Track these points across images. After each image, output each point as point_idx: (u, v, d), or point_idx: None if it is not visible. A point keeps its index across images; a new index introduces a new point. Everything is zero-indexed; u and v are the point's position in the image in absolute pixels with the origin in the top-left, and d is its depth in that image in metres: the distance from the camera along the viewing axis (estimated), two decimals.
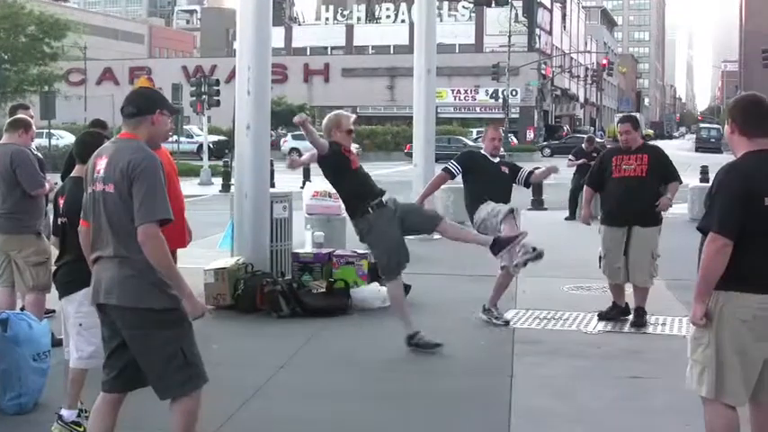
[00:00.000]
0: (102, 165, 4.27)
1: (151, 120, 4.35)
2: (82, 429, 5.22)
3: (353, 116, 7.98)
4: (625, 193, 8.28)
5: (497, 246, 7.54)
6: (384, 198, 7.56)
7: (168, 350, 4.20)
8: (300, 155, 11.51)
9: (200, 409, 4.33)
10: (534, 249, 7.66)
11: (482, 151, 8.79)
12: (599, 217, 8.71)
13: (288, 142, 50.63)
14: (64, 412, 5.35)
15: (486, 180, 8.42)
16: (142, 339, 4.21)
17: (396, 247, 7.47)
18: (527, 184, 8.93)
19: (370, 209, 7.42)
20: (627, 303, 8.58)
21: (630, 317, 8.45)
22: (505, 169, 8.67)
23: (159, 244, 4.11)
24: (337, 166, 7.55)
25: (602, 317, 8.54)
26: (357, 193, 7.53)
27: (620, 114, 10.27)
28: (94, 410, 4.43)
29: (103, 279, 4.25)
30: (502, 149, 8.99)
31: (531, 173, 8.78)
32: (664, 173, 8.43)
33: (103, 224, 4.25)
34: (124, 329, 4.24)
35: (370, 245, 7.67)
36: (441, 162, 11.04)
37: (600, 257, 8.55)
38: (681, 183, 8.66)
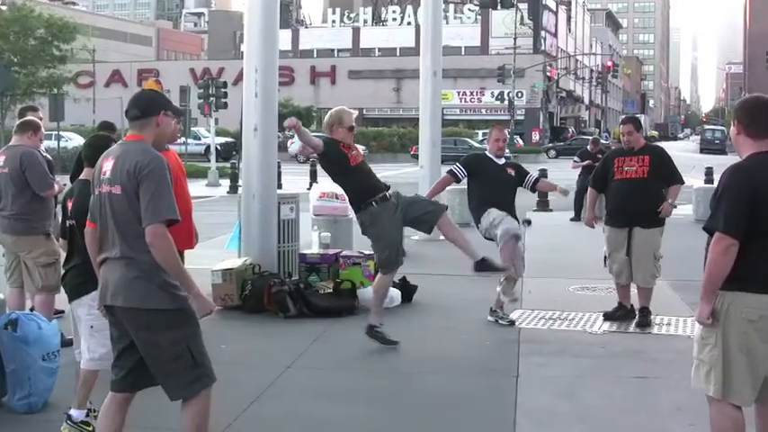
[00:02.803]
0: (108, 167, 4.28)
1: (155, 121, 4.35)
2: (91, 429, 5.24)
3: (355, 113, 8.00)
4: (627, 194, 8.33)
5: (482, 267, 7.66)
6: (388, 192, 7.63)
7: (176, 350, 4.20)
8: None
9: (210, 408, 4.35)
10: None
11: (487, 153, 8.84)
12: (603, 218, 8.75)
13: (294, 144, 50.68)
14: (73, 412, 5.37)
15: (489, 183, 8.49)
16: (150, 340, 4.21)
17: (395, 242, 7.57)
18: (533, 190, 8.97)
19: (373, 202, 7.50)
20: (632, 305, 8.60)
21: (636, 317, 8.48)
22: (511, 171, 8.72)
23: (167, 243, 4.13)
24: (336, 163, 7.62)
25: (608, 317, 8.58)
26: (360, 189, 7.61)
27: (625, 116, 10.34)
28: (103, 410, 4.44)
29: (110, 281, 4.27)
30: (507, 151, 9.04)
31: (537, 180, 8.81)
32: (665, 174, 8.45)
33: (110, 226, 4.26)
34: (132, 330, 4.25)
35: (371, 238, 7.74)
36: (447, 164, 11.08)
37: (605, 257, 8.61)
38: (683, 183, 8.69)
